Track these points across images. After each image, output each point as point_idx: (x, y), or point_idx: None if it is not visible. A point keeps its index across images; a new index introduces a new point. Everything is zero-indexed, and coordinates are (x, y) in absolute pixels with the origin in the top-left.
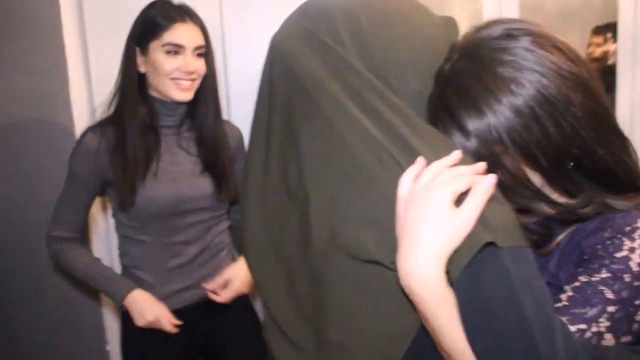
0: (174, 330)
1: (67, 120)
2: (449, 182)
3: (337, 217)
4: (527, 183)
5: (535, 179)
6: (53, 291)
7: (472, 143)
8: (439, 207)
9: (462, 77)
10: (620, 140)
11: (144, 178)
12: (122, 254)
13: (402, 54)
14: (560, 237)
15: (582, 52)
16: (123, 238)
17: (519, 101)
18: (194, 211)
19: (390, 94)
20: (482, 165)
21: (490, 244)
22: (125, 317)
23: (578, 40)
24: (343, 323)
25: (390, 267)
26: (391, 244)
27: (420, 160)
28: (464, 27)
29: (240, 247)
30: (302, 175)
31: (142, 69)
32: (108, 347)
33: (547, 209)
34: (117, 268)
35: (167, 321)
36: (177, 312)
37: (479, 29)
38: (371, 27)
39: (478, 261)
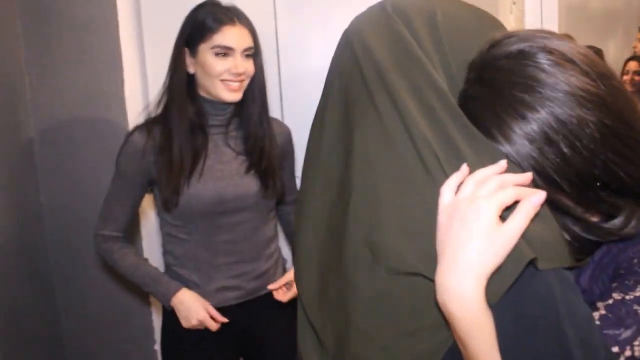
0: (216, 327)
1: (121, 118)
2: (495, 194)
3: (375, 221)
4: (559, 205)
5: (567, 202)
6: (101, 291)
7: None
8: (485, 221)
9: (475, 104)
10: None
11: (189, 179)
12: (166, 252)
13: (468, 49)
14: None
15: (625, 51)
16: (167, 236)
17: (532, 127)
18: (238, 210)
19: (449, 94)
20: (529, 175)
21: (533, 264)
22: (168, 317)
23: (621, 40)
24: (366, 337)
25: (429, 278)
26: (430, 256)
27: (464, 168)
28: (511, 29)
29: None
30: (350, 171)
31: (191, 69)
32: (156, 347)
33: (583, 233)
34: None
35: (212, 322)
36: (219, 310)
37: (492, 45)
38: (445, 19)
39: (521, 283)
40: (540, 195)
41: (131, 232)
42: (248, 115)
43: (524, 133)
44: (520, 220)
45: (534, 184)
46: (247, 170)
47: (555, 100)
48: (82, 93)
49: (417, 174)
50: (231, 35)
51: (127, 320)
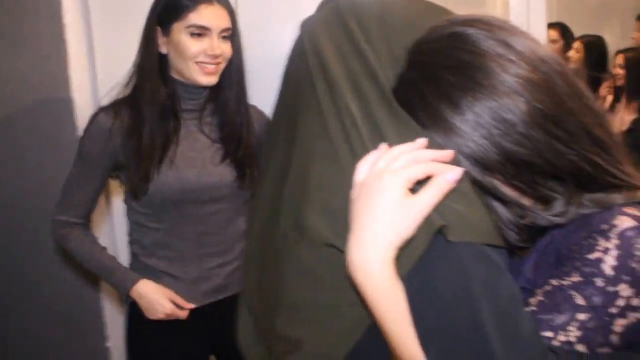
0: (186, 315)
1: (66, 105)
2: (404, 168)
3: (301, 201)
4: (493, 191)
5: (502, 187)
6: (50, 285)
7: None
8: (389, 193)
9: (407, 88)
10: (591, 139)
11: (159, 166)
12: (133, 242)
13: (408, 35)
14: (540, 238)
15: (623, 41)
16: (134, 225)
17: (461, 110)
18: (212, 200)
19: (384, 81)
20: (449, 153)
21: (446, 237)
22: (132, 309)
23: (619, 30)
24: (292, 313)
25: (342, 251)
26: (346, 233)
27: (383, 147)
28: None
29: None
30: (292, 158)
31: (163, 49)
32: (109, 344)
33: (520, 219)
34: (123, 256)
35: (180, 312)
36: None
37: (429, 30)
38: (394, 13)
39: (431, 255)
40: (455, 171)
41: (91, 218)
42: (224, 101)
43: (453, 116)
44: (430, 194)
45: (470, 172)
46: (222, 159)
47: (486, 84)
48: (26, 80)
49: (344, 156)
50: (208, 15)
51: (76, 317)
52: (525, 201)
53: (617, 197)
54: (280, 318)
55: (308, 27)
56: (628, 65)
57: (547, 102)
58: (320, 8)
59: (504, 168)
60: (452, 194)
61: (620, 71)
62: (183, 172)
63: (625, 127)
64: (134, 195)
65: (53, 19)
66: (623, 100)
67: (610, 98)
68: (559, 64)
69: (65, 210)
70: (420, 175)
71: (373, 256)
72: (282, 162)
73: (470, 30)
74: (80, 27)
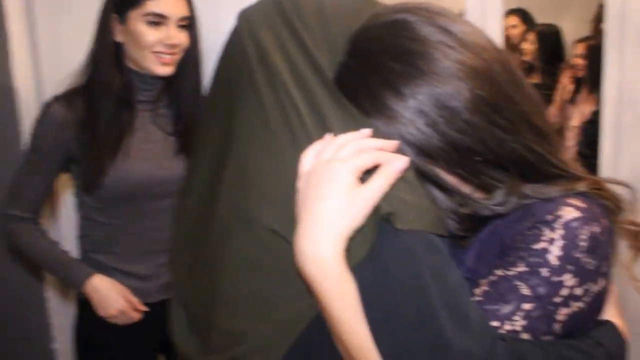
0: (139, 317)
1: (8, 97)
2: (351, 157)
3: (242, 190)
4: (435, 179)
5: (443, 176)
6: None
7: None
8: (338, 182)
9: (348, 76)
10: (531, 127)
11: (113, 158)
12: (82, 237)
13: (345, 27)
14: (482, 228)
15: (583, 28)
16: (85, 220)
17: (402, 98)
18: (165, 195)
19: (326, 69)
20: (393, 142)
21: (393, 225)
22: (81, 307)
23: (580, 17)
24: (234, 306)
25: (289, 241)
26: (290, 222)
27: (327, 137)
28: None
29: None
30: (228, 146)
31: (119, 38)
32: (55, 346)
33: (461, 207)
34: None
35: (133, 312)
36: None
37: (371, 18)
38: (334, 3)
39: (380, 243)
40: (402, 161)
41: (43, 213)
42: (180, 92)
43: (396, 103)
44: (379, 183)
45: (413, 160)
46: (177, 153)
47: (427, 71)
48: None
49: (287, 147)
50: (166, 3)
51: (21, 318)
52: (467, 189)
53: (555, 189)
54: (220, 311)
55: (246, 16)
56: (588, 55)
57: (488, 90)
58: None
59: (447, 156)
60: (397, 183)
61: (579, 61)
62: (137, 165)
63: (584, 119)
64: (86, 189)
65: None
66: (583, 92)
67: (571, 88)
68: (499, 52)
69: (16, 204)
70: (369, 164)
71: (324, 246)
72: (218, 149)
73: (411, 18)
74: (22, 14)
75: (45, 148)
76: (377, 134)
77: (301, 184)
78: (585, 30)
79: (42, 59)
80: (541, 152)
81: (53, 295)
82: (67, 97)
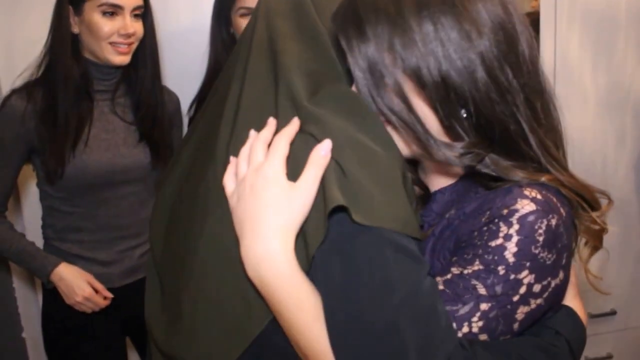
0: (105, 304)
1: None
2: (270, 154)
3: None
4: (410, 107)
5: (424, 108)
6: None
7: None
8: (274, 182)
9: (358, 3)
10: (527, 103)
11: (74, 148)
12: (46, 226)
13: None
14: (436, 221)
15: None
16: (48, 209)
17: (423, 19)
18: (127, 182)
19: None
20: (294, 122)
21: (350, 217)
22: (48, 299)
23: None
24: (198, 289)
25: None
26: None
27: (232, 160)
28: None
29: None
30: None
31: (75, 29)
32: (24, 335)
33: (425, 152)
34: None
35: (98, 298)
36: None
37: None
38: None
39: (343, 236)
40: (325, 144)
41: (7, 206)
42: (139, 81)
43: (414, 18)
44: (312, 173)
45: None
46: (137, 141)
47: (460, 6)
48: None
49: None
50: None
51: None
52: (435, 130)
53: (518, 173)
54: (186, 292)
55: (265, 3)
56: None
57: (505, 51)
58: None
59: (435, 87)
60: (374, 177)
61: None
62: (97, 154)
63: None
64: (49, 179)
65: None
66: None
67: None
68: (530, 32)
69: None
70: (286, 150)
71: (273, 243)
72: (207, 139)
73: None
74: None
75: (6, 141)
76: (380, 42)
77: (233, 202)
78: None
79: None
80: (525, 129)
81: (21, 285)
82: (26, 89)
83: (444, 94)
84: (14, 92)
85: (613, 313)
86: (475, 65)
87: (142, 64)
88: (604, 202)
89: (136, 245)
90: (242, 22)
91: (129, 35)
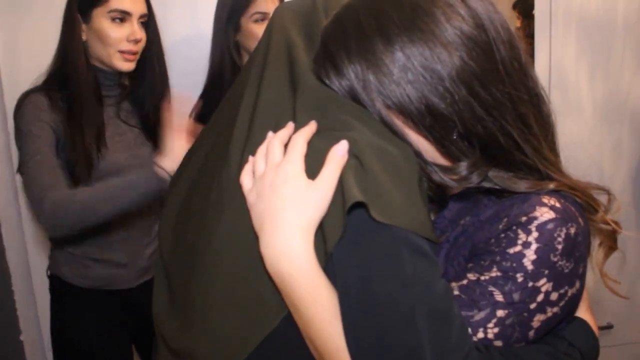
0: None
1: None
2: (288, 153)
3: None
4: (401, 136)
5: (414, 136)
6: None
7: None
8: (293, 179)
9: (346, 16)
10: (516, 113)
11: (99, 150)
12: None
13: None
14: (448, 227)
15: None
16: None
17: (393, 50)
18: None
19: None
20: (312, 124)
21: (369, 214)
22: (55, 298)
23: None
24: (208, 283)
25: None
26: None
27: (251, 159)
28: None
29: None
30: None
31: (83, 37)
32: (22, 337)
33: (429, 176)
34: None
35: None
36: (112, 292)
37: None
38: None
39: (362, 234)
40: (343, 144)
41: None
42: (145, 87)
43: (384, 52)
44: (331, 170)
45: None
46: (144, 143)
47: (425, 30)
48: None
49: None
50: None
51: None
52: (431, 154)
53: (522, 184)
54: (197, 288)
55: (281, 9)
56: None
57: (481, 64)
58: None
59: (420, 117)
60: (393, 178)
61: None
62: (116, 155)
63: None
64: (76, 182)
65: None
66: None
67: None
68: (510, 35)
69: (45, 191)
70: (304, 148)
71: (293, 238)
72: (223, 137)
73: None
74: None
75: (39, 128)
76: (356, 80)
77: (251, 199)
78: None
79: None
80: (517, 140)
81: (19, 287)
82: (43, 90)
83: (430, 121)
84: (30, 92)
85: (610, 327)
86: (454, 87)
87: (150, 69)
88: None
89: (147, 244)
90: (255, 28)
91: (137, 42)
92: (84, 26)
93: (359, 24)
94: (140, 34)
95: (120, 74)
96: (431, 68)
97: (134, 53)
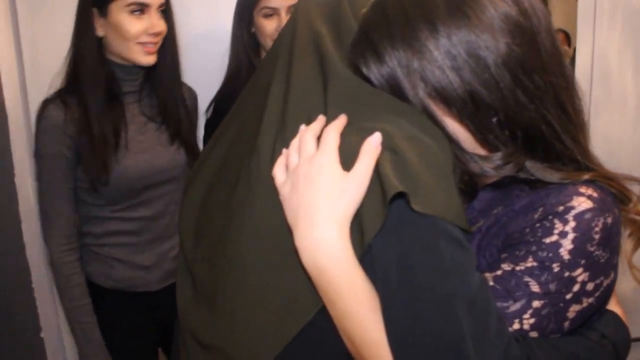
0: None
1: None
2: (322, 146)
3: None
4: (439, 123)
5: (453, 124)
6: None
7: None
8: (328, 172)
9: (390, 1)
10: (556, 101)
11: (116, 153)
12: (85, 234)
13: None
14: (478, 218)
15: None
16: (86, 218)
17: (437, 36)
18: (163, 182)
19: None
20: (341, 118)
21: (408, 204)
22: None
23: None
24: (240, 283)
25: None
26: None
27: (284, 152)
28: None
29: None
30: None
31: (100, 32)
32: (42, 334)
33: (464, 165)
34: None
35: None
36: (140, 295)
37: None
38: None
39: (400, 225)
40: (376, 136)
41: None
42: (161, 79)
43: (428, 38)
44: (365, 161)
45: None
46: (169, 140)
47: (471, 16)
48: None
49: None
50: None
51: (8, 308)
52: (468, 143)
53: (557, 175)
54: (226, 283)
55: (300, 6)
56: None
57: (526, 50)
58: None
59: (462, 104)
60: (429, 168)
61: None
62: (136, 157)
63: None
64: (93, 187)
65: None
66: None
67: None
68: (550, 23)
69: (56, 225)
70: (337, 141)
71: (329, 230)
72: (249, 128)
73: None
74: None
75: (56, 152)
76: (399, 67)
77: (285, 192)
78: None
79: (26, 63)
80: (558, 130)
81: (40, 285)
82: (59, 98)
83: (472, 109)
84: (48, 102)
85: None
86: (499, 74)
87: (162, 62)
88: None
89: (175, 246)
90: (265, 23)
91: (157, 34)
92: (101, 20)
93: (403, 11)
94: (161, 26)
95: (141, 67)
96: (476, 54)
97: (155, 44)
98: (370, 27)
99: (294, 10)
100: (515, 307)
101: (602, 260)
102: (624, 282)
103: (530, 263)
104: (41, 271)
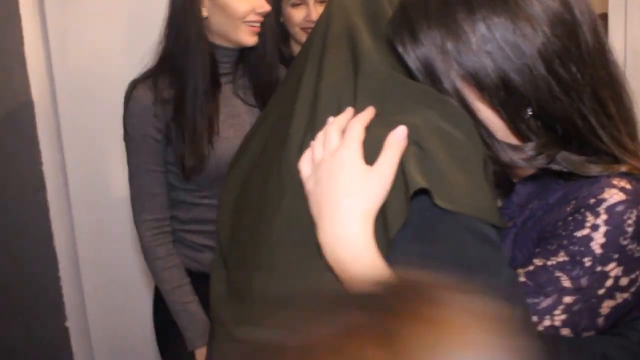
0: None
1: (21, 80)
2: (345, 138)
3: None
4: (470, 109)
5: (485, 110)
6: (7, 267)
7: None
8: (351, 166)
9: (407, 5)
10: (594, 96)
11: (211, 141)
12: (172, 218)
13: None
14: (517, 213)
15: None
16: (173, 201)
17: (475, 20)
18: None
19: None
20: (370, 110)
21: (437, 204)
22: (157, 291)
23: None
24: (269, 275)
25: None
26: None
27: (311, 144)
28: None
29: None
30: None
31: (204, 13)
32: (67, 324)
33: (496, 153)
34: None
35: None
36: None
37: None
38: None
39: (426, 222)
40: (401, 129)
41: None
42: (260, 61)
43: (464, 21)
44: (389, 155)
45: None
46: None
47: (512, 3)
48: None
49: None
50: None
51: (35, 297)
52: (500, 132)
53: (593, 168)
54: (257, 275)
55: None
56: None
57: (564, 43)
58: None
59: (495, 91)
60: (456, 163)
61: None
62: (228, 142)
63: None
64: (188, 175)
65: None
66: None
67: None
68: (594, 18)
69: (145, 207)
70: (361, 133)
71: (352, 226)
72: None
73: None
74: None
75: (146, 133)
76: (434, 47)
77: (309, 185)
78: None
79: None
80: (593, 125)
81: (66, 274)
82: (150, 79)
83: (504, 96)
84: (137, 82)
85: None
86: (534, 63)
87: (262, 41)
88: None
89: None
90: (293, 12)
91: (263, 14)
92: (207, 1)
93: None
94: (268, 5)
95: (241, 49)
96: (512, 41)
97: (260, 23)
98: (409, 5)
99: (327, 2)
100: (546, 302)
101: (636, 254)
102: None
103: (561, 257)
104: (69, 260)
